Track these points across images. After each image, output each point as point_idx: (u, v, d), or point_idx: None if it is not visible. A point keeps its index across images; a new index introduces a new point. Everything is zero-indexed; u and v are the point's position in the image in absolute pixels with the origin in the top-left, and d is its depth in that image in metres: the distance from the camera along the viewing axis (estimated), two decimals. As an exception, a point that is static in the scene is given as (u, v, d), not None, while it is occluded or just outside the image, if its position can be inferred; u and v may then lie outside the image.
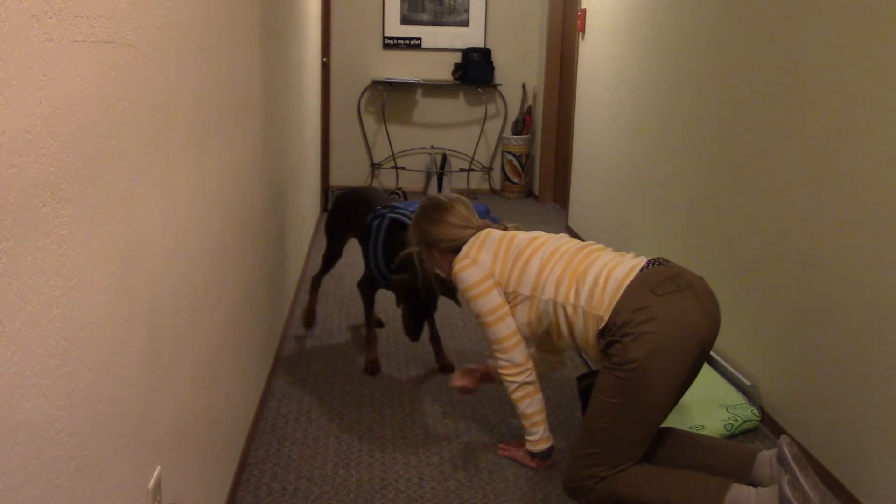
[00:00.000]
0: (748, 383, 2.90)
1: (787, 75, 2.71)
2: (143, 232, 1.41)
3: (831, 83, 2.46)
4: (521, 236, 2.46)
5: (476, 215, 2.61)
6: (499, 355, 2.43)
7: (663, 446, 2.35)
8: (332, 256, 3.55)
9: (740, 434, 2.78)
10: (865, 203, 2.29)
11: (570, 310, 2.29)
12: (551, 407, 2.91)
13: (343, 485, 2.41)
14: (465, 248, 2.48)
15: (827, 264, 2.48)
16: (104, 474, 1.25)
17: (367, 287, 3.28)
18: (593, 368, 3.24)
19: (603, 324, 2.20)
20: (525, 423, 2.47)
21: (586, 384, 2.51)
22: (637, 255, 2.35)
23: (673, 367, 2.14)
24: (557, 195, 6.56)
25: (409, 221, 3.22)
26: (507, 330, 2.40)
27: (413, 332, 2.92)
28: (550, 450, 2.49)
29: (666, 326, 2.13)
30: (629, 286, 2.20)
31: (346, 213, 3.42)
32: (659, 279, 2.21)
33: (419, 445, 2.65)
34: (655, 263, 2.27)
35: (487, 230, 2.53)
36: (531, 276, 2.36)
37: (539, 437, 2.47)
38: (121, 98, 1.27)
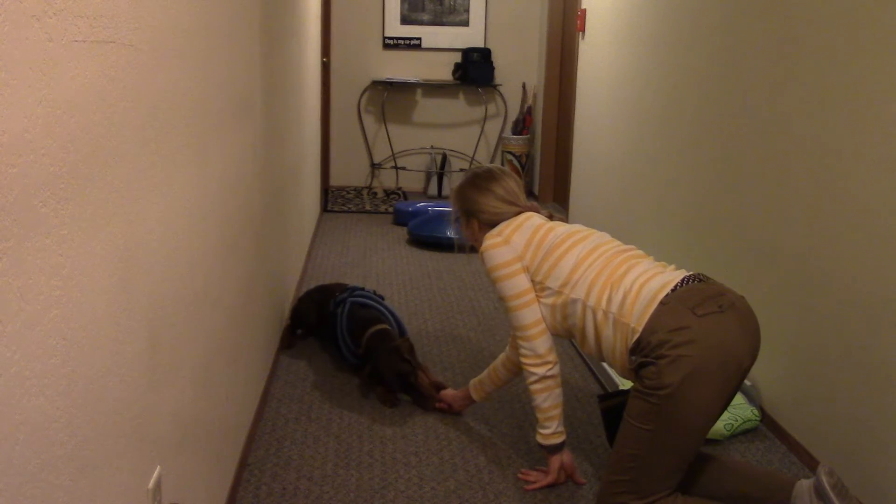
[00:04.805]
0: (748, 383, 2.90)
1: (787, 74, 2.71)
2: (143, 232, 1.41)
3: (833, 83, 2.46)
4: (560, 229, 2.35)
5: (525, 195, 2.50)
6: (521, 342, 2.33)
7: (696, 475, 2.20)
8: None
9: (740, 434, 2.78)
10: (866, 203, 2.29)
11: (599, 315, 2.16)
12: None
13: (343, 485, 2.41)
14: (499, 226, 2.38)
15: (827, 264, 2.48)
16: (104, 474, 1.25)
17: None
18: (591, 365, 3.25)
19: (636, 336, 2.07)
20: (539, 415, 2.38)
21: (609, 405, 2.38)
22: (678, 268, 2.22)
23: (710, 394, 2.00)
24: (557, 195, 6.56)
25: (369, 302, 3.27)
26: (532, 317, 2.30)
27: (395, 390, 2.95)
28: (562, 444, 2.40)
29: (705, 350, 1.98)
30: (665, 302, 2.05)
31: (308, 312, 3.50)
32: (700, 297, 2.05)
33: (419, 445, 2.65)
34: (695, 280, 2.11)
35: (529, 214, 2.42)
36: (563, 271, 2.24)
37: (552, 430, 2.37)
38: (121, 98, 1.27)
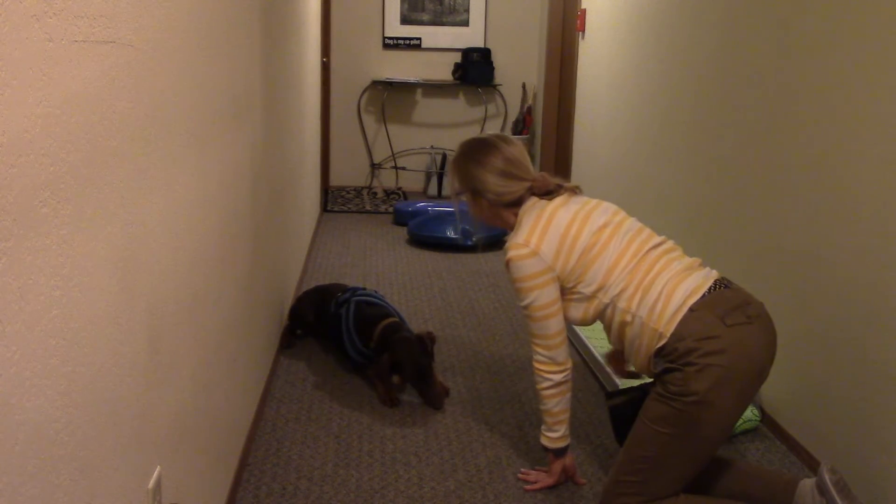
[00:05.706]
0: (748, 383, 2.90)
1: (788, 75, 2.71)
2: (143, 232, 1.41)
3: (834, 82, 2.46)
4: (589, 225, 2.21)
5: (530, 163, 2.32)
6: (541, 350, 2.27)
7: (699, 475, 2.18)
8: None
9: (740, 434, 2.78)
10: (866, 203, 2.29)
11: (628, 317, 2.13)
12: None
13: (343, 485, 2.41)
14: (524, 232, 2.23)
15: (827, 264, 2.48)
16: (104, 474, 1.25)
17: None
18: (591, 365, 3.25)
19: (663, 341, 2.04)
20: (548, 419, 2.35)
21: (617, 403, 2.35)
22: (703, 265, 2.19)
23: (733, 402, 2.01)
24: (557, 195, 6.55)
25: (374, 300, 3.25)
26: (556, 327, 2.23)
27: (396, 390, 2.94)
28: (567, 448, 2.40)
29: (733, 360, 1.98)
30: (695, 309, 2.04)
31: (308, 312, 3.46)
32: (728, 306, 2.04)
33: (419, 445, 2.65)
34: (722, 286, 2.09)
35: (552, 210, 2.24)
36: (596, 276, 2.17)
37: (560, 435, 2.36)
38: (121, 98, 1.27)
